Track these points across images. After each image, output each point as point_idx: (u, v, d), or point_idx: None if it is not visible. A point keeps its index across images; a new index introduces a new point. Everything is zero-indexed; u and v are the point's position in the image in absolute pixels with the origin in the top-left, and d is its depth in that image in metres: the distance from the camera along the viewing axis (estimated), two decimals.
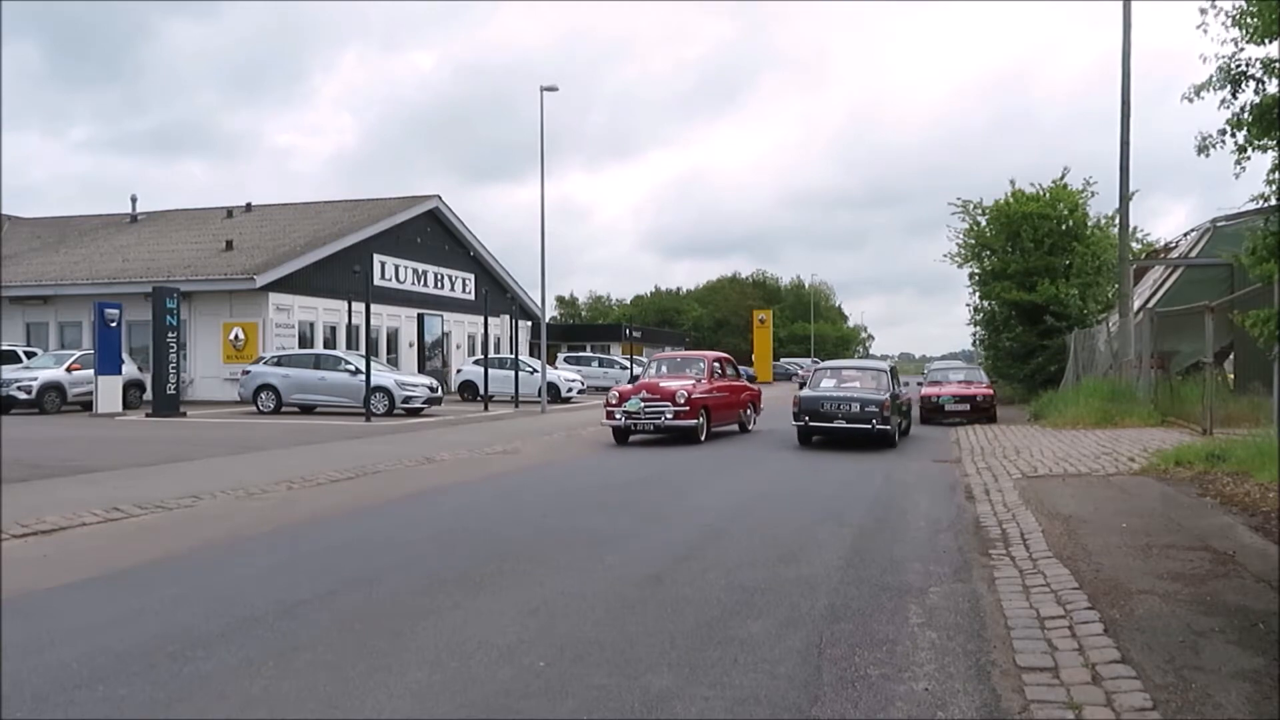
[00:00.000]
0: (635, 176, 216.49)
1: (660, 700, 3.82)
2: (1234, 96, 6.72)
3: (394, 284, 34.27)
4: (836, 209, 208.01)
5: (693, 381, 16.51)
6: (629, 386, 16.49)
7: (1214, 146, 6.88)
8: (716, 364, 17.96)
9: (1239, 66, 6.65)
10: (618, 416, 15.71)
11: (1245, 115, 6.60)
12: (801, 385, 18.11)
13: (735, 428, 18.19)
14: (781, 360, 64.84)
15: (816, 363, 25.32)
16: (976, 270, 28.81)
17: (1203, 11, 7.00)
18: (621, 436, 16.03)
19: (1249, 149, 6.65)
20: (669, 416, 15.39)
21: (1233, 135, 6.74)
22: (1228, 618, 4.78)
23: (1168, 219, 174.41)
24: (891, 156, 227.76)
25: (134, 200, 39.96)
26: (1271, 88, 6.55)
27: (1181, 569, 5.84)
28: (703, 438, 15.82)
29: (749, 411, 18.67)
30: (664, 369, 17.99)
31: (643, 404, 15.54)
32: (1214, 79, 6.78)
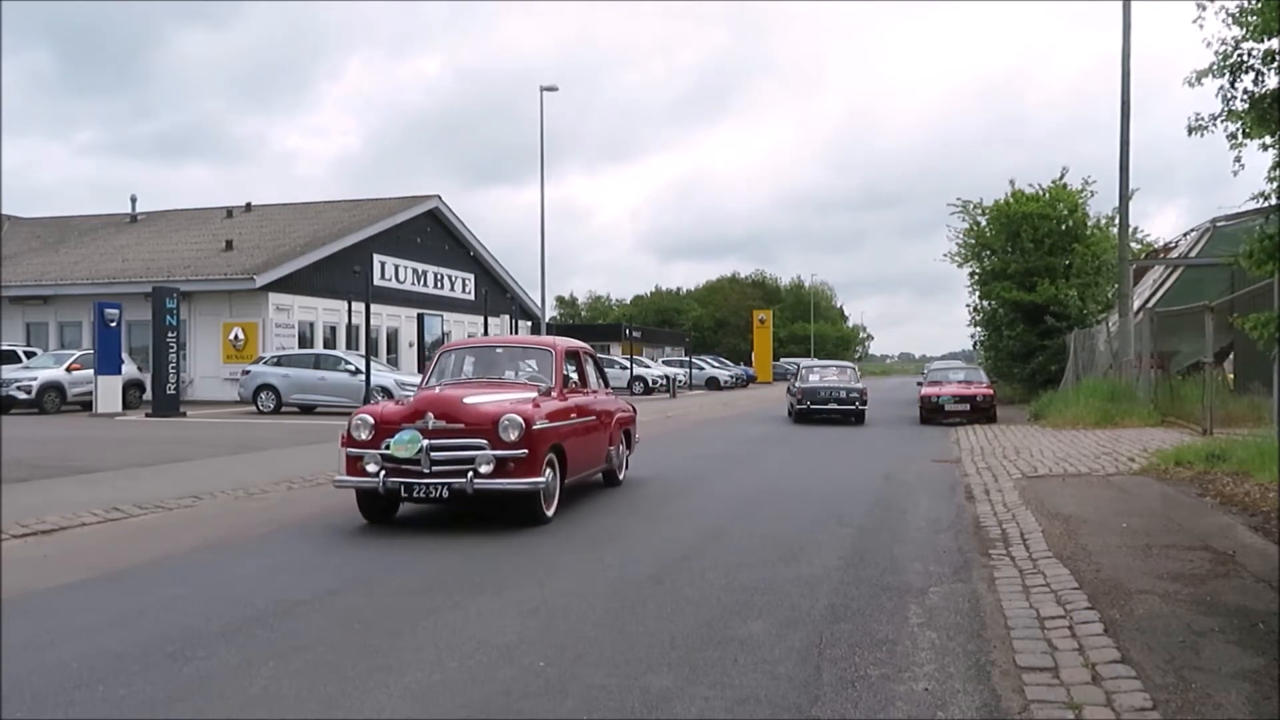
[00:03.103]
0: (634, 179, 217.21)
1: (660, 700, 3.82)
2: (1233, 86, 6.72)
3: (394, 284, 34.26)
4: (832, 211, 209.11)
5: (530, 395, 8.29)
6: (394, 404, 8.18)
7: (1206, 129, 6.89)
8: (571, 361, 9.58)
9: (1238, 55, 6.66)
10: (369, 467, 7.50)
11: (1240, 104, 6.61)
12: (792, 381, 22.62)
13: (600, 476, 9.97)
14: (781, 360, 64.82)
15: (799, 365, 26.81)
16: (976, 270, 28.83)
17: (1200, 7, 7.01)
18: (376, 507, 7.82)
19: (1241, 138, 6.66)
20: (484, 470, 7.36)
21: (1225, 123, 6.75)
22: (1228, 618, 4.78)
23: (1158, 220, 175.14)
24: (886, 159, 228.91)
25: (134, 200, 39.98)
26: (1271, 82, 6.55)
27: (1181, 569, 5.84)
28: (550, 511, 7.82)
29: (620, 449, 10.21)
30: (469, 368, 9.35)
31: (426, 442, 7.36)
32: (1214, 66, 6.78)
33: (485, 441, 7.37)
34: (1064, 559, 6.21)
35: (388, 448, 7.38)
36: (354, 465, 7.60)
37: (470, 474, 7.31)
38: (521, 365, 9.26)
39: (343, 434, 7.73)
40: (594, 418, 9.21)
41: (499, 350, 9.93)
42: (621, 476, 10.32)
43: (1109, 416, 16.68)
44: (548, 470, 7.73)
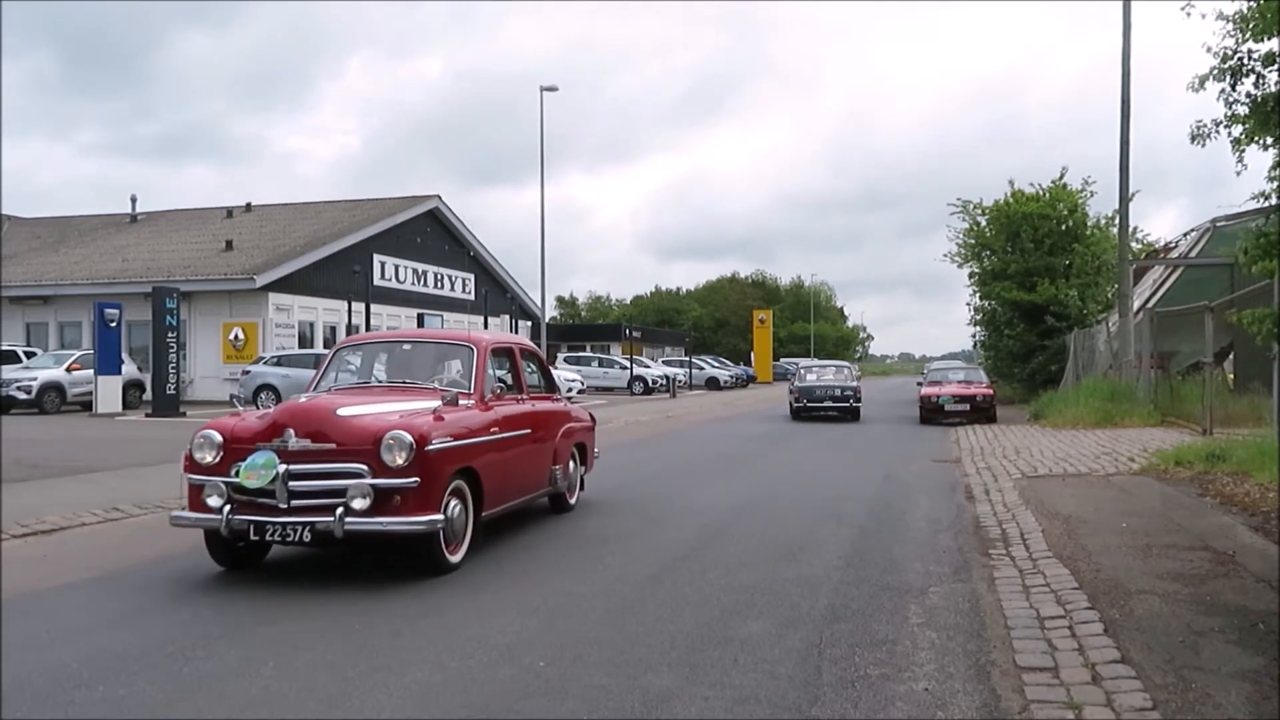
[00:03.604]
0: (634, 179, 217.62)
1: (660, 700, 3.82)
2: (1233, 89, 6.72)
3: (394, 284, 34.26)
4: (830, 212, 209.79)
5: (433, 404, 6.44)
6: (256, 417, 6.23)
7: (1209, 136, 6.88)
8: (500, 361, 7.80)
9: (1239, 58, 6.65)
10: (213, 501, 5.86)
11: (1241, 108, 6.60)
12: (793, 381, 23.83)
13: (550, 499, 8.41)
14: (781, 360, 64.84)
15: (798, 365, 29.36)
16: (976, 270, 28.85)
17: (1187, 12, 7.04)
18: (230, 551, 6.16)
19: (1244, 143, 6.65)
20: (358, 504, 5.70)
21: (1228, 128, 6.74)
22: (1228, 618, 4.78)
23: (1157, 220, 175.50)
24: (886, 160, 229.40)
25: (134, 200, 39.99)
26: (1272, 84, 6.55)
27: (1181, 569, 5.84)
28: (457, 557, 6.19)
29: (571, 466, 8.60)
30: (370, 370, 7.67)
31: (284, 467, 5.72)
32: (1214, 70, 6.78)
33: (364, 467, 5.66)
34: (1064, 559, 6.21)
35: (237, 474, 5.73)
36: (196, 497, 5.91)
37: (340, 510, 5.57)
38: (436, 366, 7.46)
39: (185, 454, 6.02)
40: (529, 431, 7.46)
41: (406, 348, 7.92)
42: (574, 499, 8.69)
43: (1109, 416, 16.68)
44: (453, 502, 6.07)
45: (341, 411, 6.03)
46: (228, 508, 5.75)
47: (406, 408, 6.30)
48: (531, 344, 9.02)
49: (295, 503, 5.71)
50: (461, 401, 6.63)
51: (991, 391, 20.94)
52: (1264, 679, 3.92)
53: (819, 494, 9.80)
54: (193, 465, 5.96)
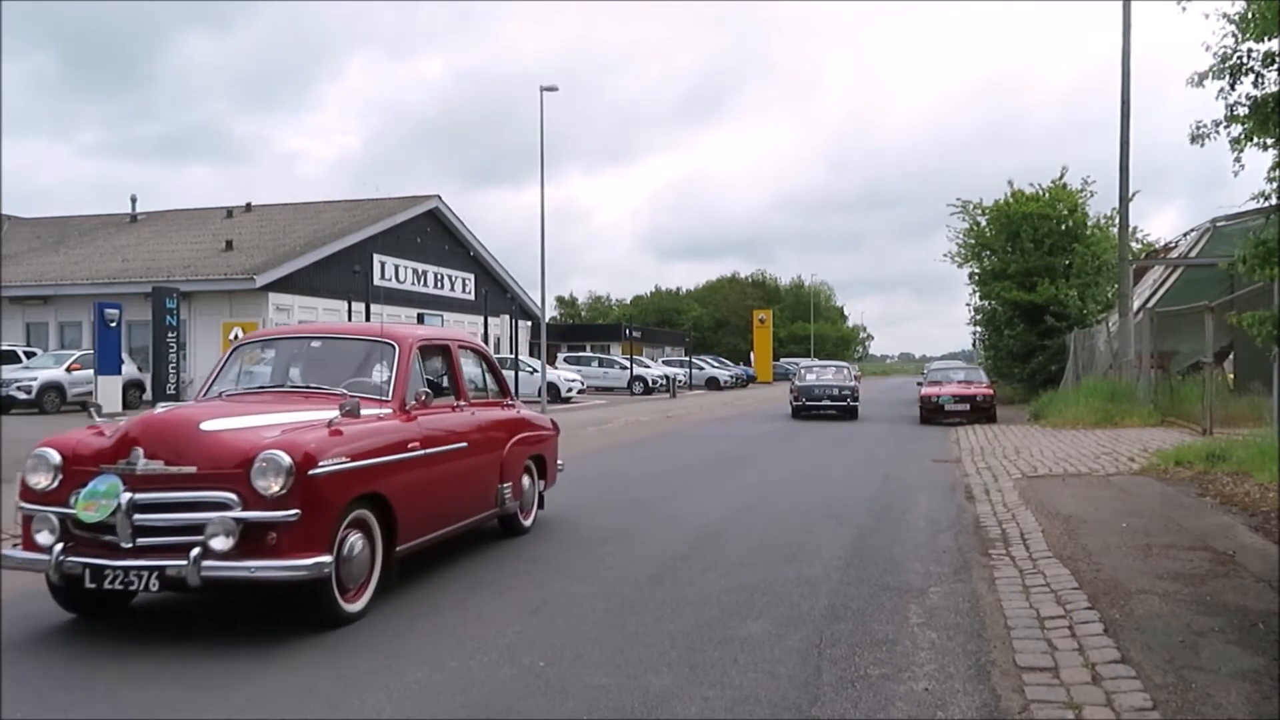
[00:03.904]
0: (633, 180, 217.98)
1: (660, 700, 3.83)
2: (1232, 88, 6.72)
3: (394, 284, 34.24)
4: (830, 212, 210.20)
5: (329, 415, 5.18)
6: (111, 432, 4.96)
7: (1208, 137, 6.88)
8: (433, 360, 6.74)
9: (1238, 57, 6.65)
10: (43, 538, 4.73)
11: (1241, 108, 6.60)
12: (793, 380, 24.64)
13: (502, 521, 7.36)
14: (781, 360, 64.84)
15: (799, 365, 30.83)
16: (976, 270, 28.86)
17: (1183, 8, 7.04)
18: (77, 596, 4.87)
19: (1243, 143, 6.65)
20: (218, 544, 4.54)
21: (1227, 128, 6.74)
22: (1228, 618, 4.78)
23: (1156, 220, 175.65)
24: (885, 160, 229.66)
25: (134, 200, 39.99)
26: (1271, 85, 6.55)
27: (1181, 569, 5.84)
28: (358, 604, 5.02)
29: (525, 483, 7.50)
30: (272, 372, 6.42)
31: (128, 496, 4.56)
32: (1214, 69, 6.78)
33: (232, 495, 4.56)
34: (1064, 559, 6.21)
35: (79, 505, 4.59)
36: (28, 531, 4.80)
37: (196, 551, 4.44)
38: (351, 368, 6.16)
39: (20, 477, 4.96)
40: (465, 445, 6.32)
41: (316, 345, 6.58)
42: (530, 520, 7.57)
43: (1109, 416, 16.68)
44: (352, 538, 4.94)
45: (206, 425, 4.82)
46: (59, 546, 4.59)
47: (295, 419, 5.11)
48: (477, 341, 7.79)
49: (142, 541, 4.52)
50: (376, 410, 5.53)
51: (991, 391, 20.96)
52: (1264, 679, 3.92)
53: (819, 494, 9.80)
54: (26, 491, 4.82)
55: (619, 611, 5.16)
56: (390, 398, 5.81)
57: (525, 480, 7.47)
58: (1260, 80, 6.60)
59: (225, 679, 4.07)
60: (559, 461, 8.42)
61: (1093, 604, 5.06)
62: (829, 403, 22.60)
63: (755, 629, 4.80)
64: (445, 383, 6.68)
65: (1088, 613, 4.90)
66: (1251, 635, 4.51)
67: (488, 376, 7.51)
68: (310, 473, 4.64)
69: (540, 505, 7.94)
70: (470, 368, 7.18)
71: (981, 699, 3.82)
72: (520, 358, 30.65)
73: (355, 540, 5.00)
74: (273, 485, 4.55)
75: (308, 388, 5.96)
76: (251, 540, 4.54)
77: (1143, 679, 3.93)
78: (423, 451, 5.72)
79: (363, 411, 5.31)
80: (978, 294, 29.52)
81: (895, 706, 3.76)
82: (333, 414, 5.13)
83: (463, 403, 6.68)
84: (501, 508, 6.97)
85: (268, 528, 4.56)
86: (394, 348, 6.10)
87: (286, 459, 4.58)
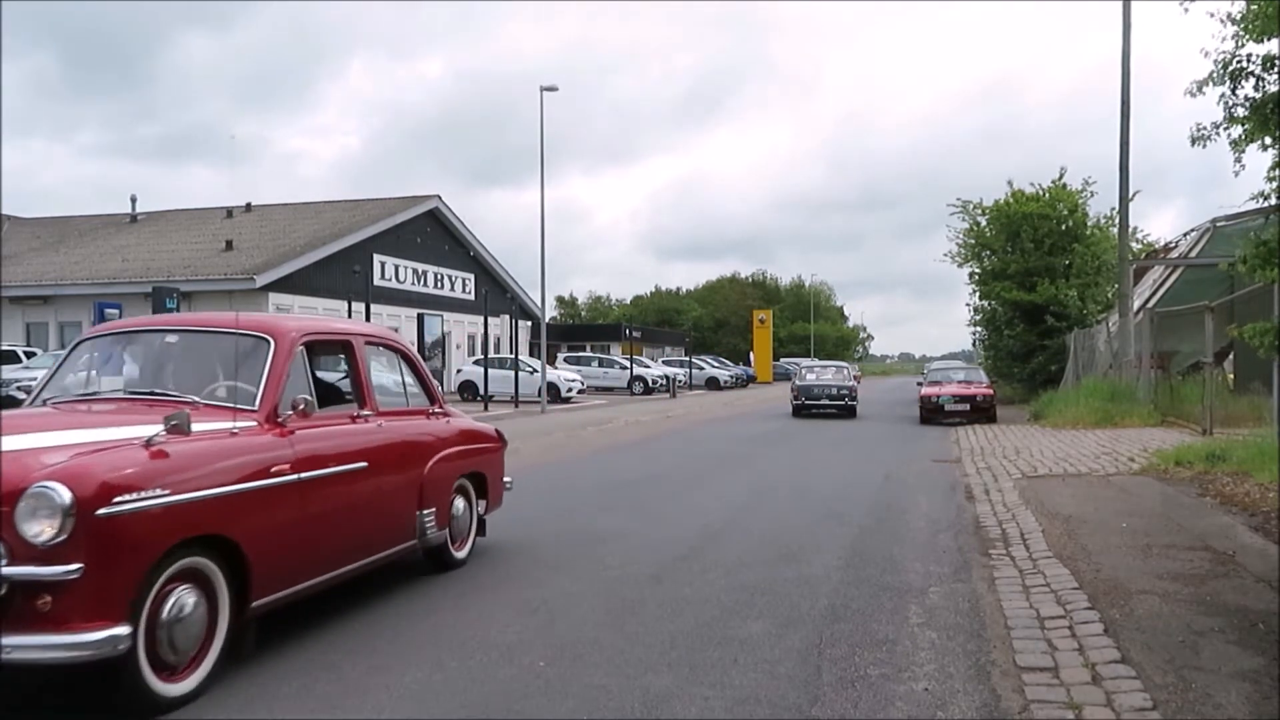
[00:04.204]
0: (633, 180, 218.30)
1: (660, 700, 3.83)
2: (1234, 93, 6.72)
3: (394, 284, 34.25)
4: (830, 212, 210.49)
5: (151, 431, 3.86)
6: None
7: (1209, 139, 6.89)
8: (323, 358, 5.63)
9: (1238, 62, 6.66)
10: None
11: (1241, 110, 6.60)
12: (794, 380, 25.30)
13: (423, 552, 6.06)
14: (781, 360, 64.86)
15: (797, 364, 32.15)
16: (976, 270, 28.87)
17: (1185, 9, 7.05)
18: None
19: (1243, 144, 6.66)
20: None
21: (1227, 130, 6.75)
22: (1228, 618, 4.78)
23: (1156, 220, 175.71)
24: (885, 161, 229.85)
25: (134, 200, 39.99)
26: (1272, 85, 6.55)
27: (1181, 569, 5.84)
28: (183, 684, 3.79)
29: (458, 506, 6.26)
30: (118, 373, 5.18)
31: None
32: (1214, 74, 6.79)
33: None
34: (1064, 559, 6.21)
35: None
36: None
37: None
38: (214, 369, 4.94)
39: None
40: (363, 465, 5.11)
41: (171, 340, 5.25)
42: (466, 551, 6.36)
43: (1109, 416, 16.68)
44: (178, 596, 3.80)
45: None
46: None
47: (104, 437, 3.88)
48: (395, 337, 6.52)
49: None
50: (229, 424, 4.31)
51: (991, 391, 20.96)
52: (1264, 679, 3.92)
53: (819, 494, 9.80)
54: None
55: (619, 611, 5.16)
56: (257, 406, 4.56)
57: (459, 503, 6.25)
58: (1261, 83, 6.60)
59: (225, 678, 4.07)
60: (506, 479, 7.07)
61: (1093, 604, 5.06)
62: (828, 402, 23.25)
63: (755, 629, 4.80)
64: (348, 385, 5.51)
65: (1088, 613, 4.90)
66: (1251, 635, 4.51)
67: (408, 379, 6.11)
68: (100, 512, 3.45)
69: (481, 531, 6.59)
70: (382, 369, 5.95)
71: (981, 699, 3.82)
72: (520, 358, 30.66)
73: (184, 599, 3.82)
74: (44, 530, 3.38)
75: (152, 394, 4.73)
76: (18, 606, 3.36)
77: (1143, 679, 3.93)
78: (294, 477, 4.48)
79: (214, 425, 4.22)
80: (978, 294, 29.52)
81: (895, 706, 3.76)
82: (155, 428, 3.88)
83: (368, 412, 5.36)
84: (423, 539, 5.71)
85: (39, 589, 3.38)
86: (269, 343, 4.83)
87: (65, 494, 3.39)
